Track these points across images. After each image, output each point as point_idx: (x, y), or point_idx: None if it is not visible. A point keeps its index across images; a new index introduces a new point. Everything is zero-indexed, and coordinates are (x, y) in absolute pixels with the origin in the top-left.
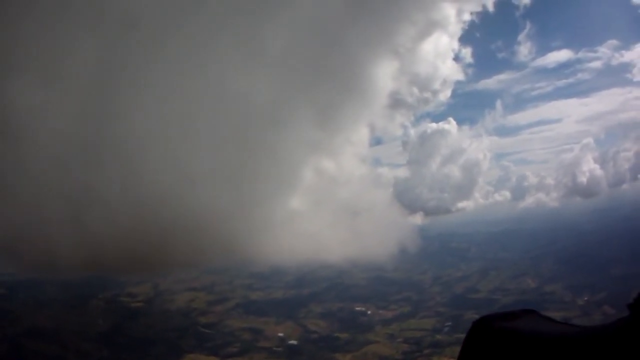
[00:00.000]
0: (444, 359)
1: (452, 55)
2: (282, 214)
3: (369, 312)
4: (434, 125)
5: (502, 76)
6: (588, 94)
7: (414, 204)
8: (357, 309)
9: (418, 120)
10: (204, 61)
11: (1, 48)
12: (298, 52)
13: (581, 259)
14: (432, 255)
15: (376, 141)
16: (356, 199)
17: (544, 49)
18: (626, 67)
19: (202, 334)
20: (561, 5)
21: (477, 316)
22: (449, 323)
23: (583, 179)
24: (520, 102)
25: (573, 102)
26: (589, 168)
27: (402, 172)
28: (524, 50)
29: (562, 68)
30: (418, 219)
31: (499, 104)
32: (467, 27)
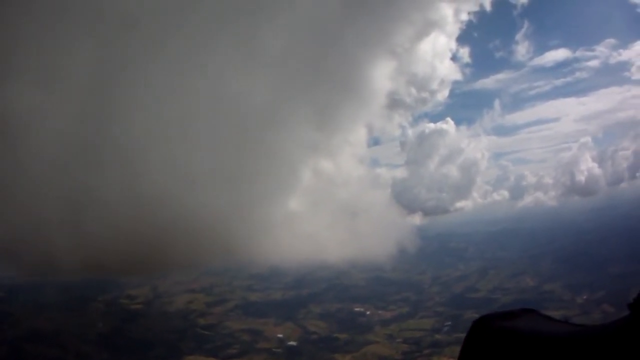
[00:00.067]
0: (443, 359)
1: (449, 55)
2: (280, 214)
3: (368, 312)
4: (432, 125)
5: (500, 76)
6: (586, 93)
7: (412, 204)
8: (356, 309)
9: (416, 120)
10: (203, 62)
11: (0, 49)
12: (296, 52)
13: (580, 257)
14: (430, 255)
15: (374, 142)
16: (354, 200)
17: (541, 48)
18: (624, 65)
19: (202, 336)
20: (559, 4)
21: (476, 316)
22: (449, 323)
23: (581, 178)
24: (518, 102)
25: (571, 101)
26: (587, 167)
27: (401, 173)
28: (522, 49)
29: (560, 67)
30: (416, 219)
31: (497, 103)
32: (464, 27)
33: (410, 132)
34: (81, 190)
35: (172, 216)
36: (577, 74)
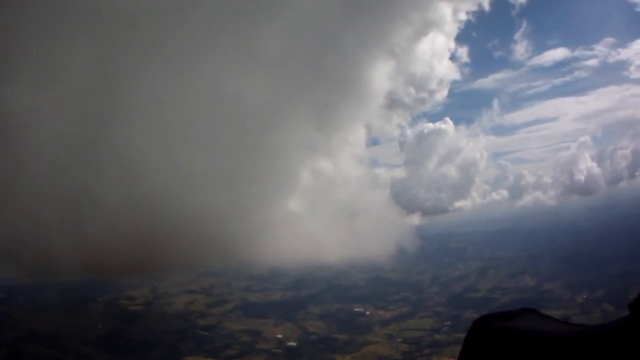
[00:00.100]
0: (443, 359)
1: (448, 54)
2: (280, 215)
3: (367, 312)
4: (430, 125)
5: (499, 75)
6: (585, 92)
7: (411, 204)
8: (356, 309)
9: (415, 120)
10: (202, 63)
11: (0, 49)
12: (295, 53)
13: (579, 257)
14: (430, 255)
15: (373, 142)
16: (354, 200)
17: (540, 48)
18: (623, 64)
19: (201, 337)
20: (557, 3)
21: (476, 315)
22: (448, 323)
23: (580, 177)
24: (516, 101)
25: (570, 100)
26: (586, 166)
27: (399, 173)
28: (521, 49)
29: (559, 66)
30: (416, 219)
31: (495, 103)
32: (463, 27)
33: (409, 132)
34: (81, 190)
35: (172, 217)
36: (576, 73)
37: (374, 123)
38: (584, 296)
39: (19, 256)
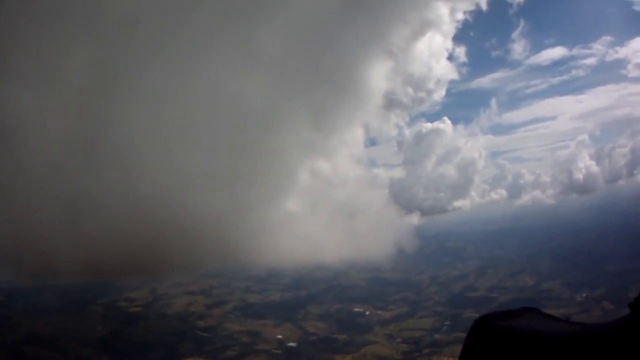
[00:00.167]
0: (443, 358)
1: (446, 54)
2: (278, 215)
3: (367, 312)
4: (428, 124)
5: (497, 74)
6: (583, 90)
7: (410, 204)
8: (356, 310)
9: (413, 120)
10: (200, 64)
11: None
12: (293, 54)
13: (578, 255)
14: (429, 255)
15: (371, 142)
16: (352, 200)
17: (538, 47)
18: (621, 63)
19: (201, 338)
20: (555, 2)
21: (475, 315)
22: (448, 322)
23: (579, 176)
24: (514, 100)
25: (568, 99)
26: (585, 165)
27: (398, 173)
28: (518, 48)
29: (557, 65)
30: (414, 219)
31: (493, 102)
32: (460, 26)
33: (407, 132)
34: (80, 191)
35: (171, 217)
36: (574, 72)
37: (372, 123)
38: (584, 295)
39: (18, 258)
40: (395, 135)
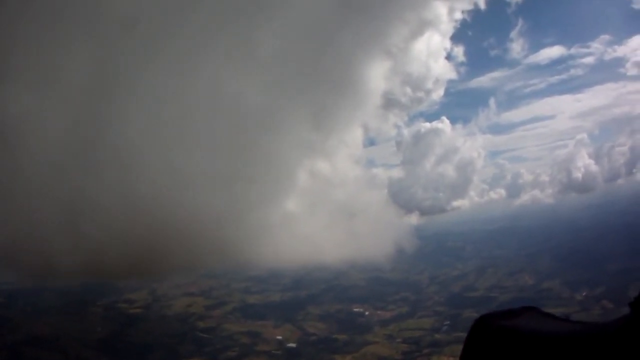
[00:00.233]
0: (443, 358)
1: (444, 54)
2: (278, 216)
3: (367, 313)
4: (427, 124)
5: (495, 74)
6: (581, 89)
7: (409, 204)
8: (355, 310)
9: (411, 120)
10: (198, 64)
11: None
12: (292, 54)
13: (578, 254)
14: (428, 255)
15: (370, 142)
16: (351, 200)
17: (536, 46)
18: (619, 61)
19: (201, 339)
20: (553, 1)
21: (475, 314)
22: (448, 322)
23: (578, 175)
24: (513, 100)
25: (566, 98)
26: (584, 164)
27: (397, 173)
28: (517, 47)
29: (555, 64)
30: (414, 219)
31: (492, 101)
32: (459, 26)
33: (405, 131)
34: (79, 192)
35: (170, 219)
36: (572, 71)
37: (371, 123)
38: (583, 294)
39: (17, 259)
40: (394, 135)
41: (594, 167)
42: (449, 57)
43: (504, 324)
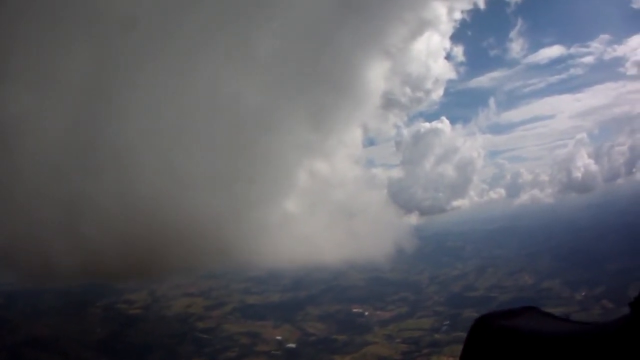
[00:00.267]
0: (443, 358)
1: (444, 54)
2: (277, 216)
3: (366, 313)
4: (427, 124)
5: (495, 74)
6: (581, 89)
7: (408, 204)
8: (355, 310)
9: (411, 120)
10: (198, 64)
11: None
12: (289, 54)
13: (578, 254)
14: (428, 255)
15: (369, 142)
16: (351, 201)
17: (535, 46)
18: (619, 61)
19: (200, 339)
20: (552, 0)
21: (475, 314)
22: (447, 322)
23: (578, 175)
24: (513, 99)
25: (566, 97)
26: (584, 163)
27: (396, 173)
28: (516, 47)
29: (555, 64)
30: (413, 219)
31: (491, 101)
32: (458, 26)
33: (405, 131)
34: (78, 193)
35: (169, 219)
36: (572, 71)
37: (370, 123)
38: (583, 293)
39: (17, 260)
40: (394, 135)
41: (593, 167)
42: (448, 57)
43: (504, 323)
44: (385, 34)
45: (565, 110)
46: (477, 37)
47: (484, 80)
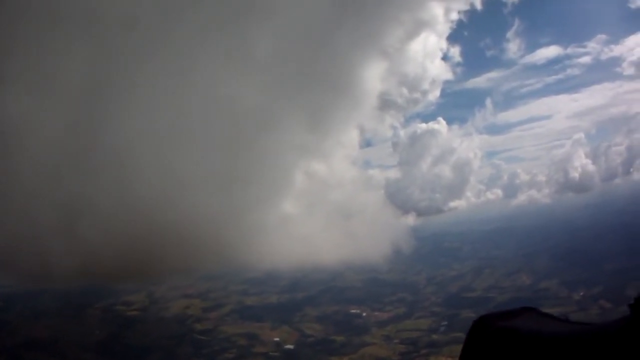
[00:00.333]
0: (441, 359)
1: (440, 54)
2: (274, 218)
3: (364, 314)
4: (423, 125)
5: (492, 74)
6: (578, 89)
7: (406, 205)
8: (353, 311)
9: (408, 121)
10: (195, 65)
11: None
12: (287, 55)
13: (575, 254)
14: (425, 256)
15: (366, 143)
16: (348, 202)
17: (532, 46)
18: (616, 61)
19: (198, 341)
20: (549, 1)
21: (473, 315)
22: (445, 322)
23: (575, 175)
24: (510, 100)
25: (563, 98)
26: (581, 163)
27: (393, 174)
28: (513, 47)
29: (552, 64)
30: (410, 220)
31: (488, 102)
32: (455, 26)
33: (402, 132)
34: (76, 195)
35: (167, 221)
36: (569, 71)
37: (367, 124)
38: (581, 293)
39: (15, 262)
40: (391, 136)
41: (591, 167)
42: (445, 58)
43: (503, 324)
44: (382, 35)
45: (563, 110)
46: (474, 37)
47: (480, 80)
